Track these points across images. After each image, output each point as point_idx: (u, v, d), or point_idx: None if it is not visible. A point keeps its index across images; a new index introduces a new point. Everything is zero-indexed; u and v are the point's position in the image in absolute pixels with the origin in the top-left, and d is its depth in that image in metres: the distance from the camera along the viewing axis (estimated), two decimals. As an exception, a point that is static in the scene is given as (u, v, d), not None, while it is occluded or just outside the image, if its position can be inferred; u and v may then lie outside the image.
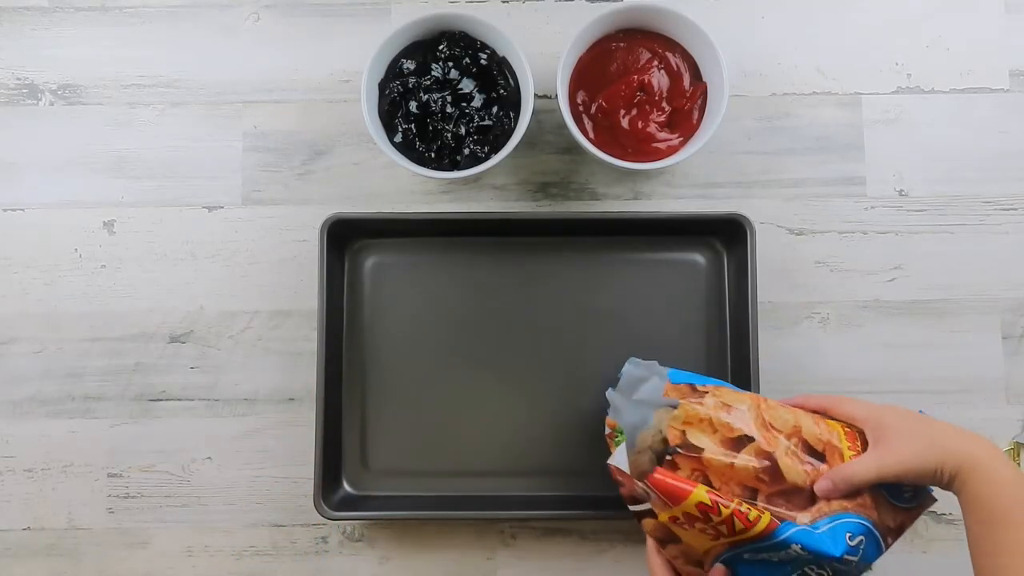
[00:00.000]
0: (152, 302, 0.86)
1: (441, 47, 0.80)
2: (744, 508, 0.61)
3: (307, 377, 0.83)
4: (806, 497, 0.62)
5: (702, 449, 0.63)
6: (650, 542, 0.69)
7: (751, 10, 0.89)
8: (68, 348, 0.85)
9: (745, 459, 0.62)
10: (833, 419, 0.68)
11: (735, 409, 0.65)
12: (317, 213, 0.83)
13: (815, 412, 0.68)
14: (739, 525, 0.61)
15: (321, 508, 0.79)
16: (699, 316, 0.84)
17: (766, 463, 0.62)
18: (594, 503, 0.81)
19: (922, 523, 0.83)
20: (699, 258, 0.85)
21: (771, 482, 0.62)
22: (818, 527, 0.61)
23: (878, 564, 0.83)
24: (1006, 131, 0.87)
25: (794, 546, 0.61)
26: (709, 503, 0.61)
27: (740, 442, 0.63)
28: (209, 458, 0.84)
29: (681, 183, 0.87)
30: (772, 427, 0.64)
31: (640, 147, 0.81)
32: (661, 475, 0.62)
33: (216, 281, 0.86)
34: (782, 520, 0.61)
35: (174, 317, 0.85)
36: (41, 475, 0.84)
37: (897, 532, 0.65)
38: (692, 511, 0.61)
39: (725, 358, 0.84)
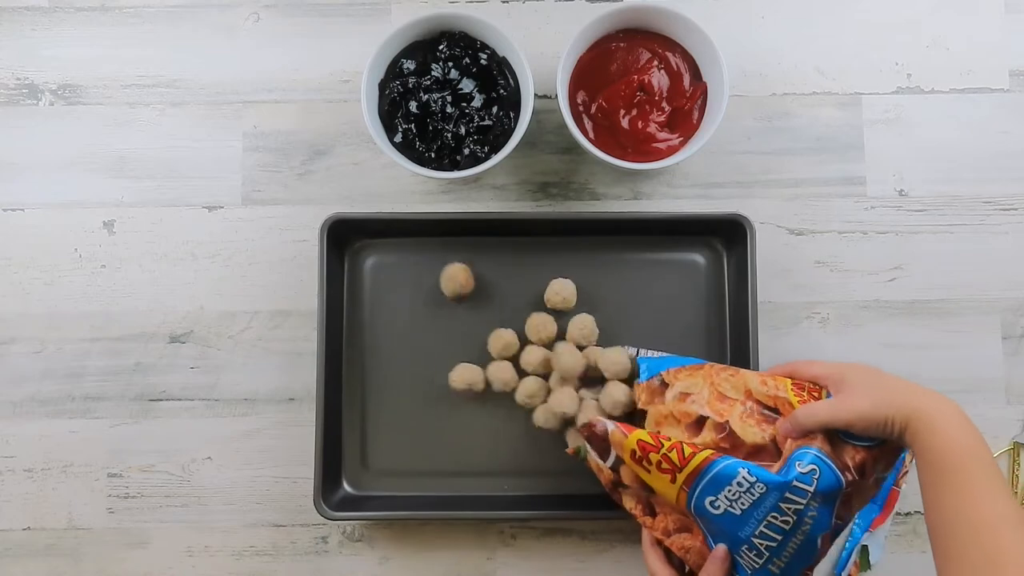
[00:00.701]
0: (152, 302, 0.86)
1: (441, 47, 0.80)
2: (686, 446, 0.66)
3: (307, 377, 0.83)
4: (772, 453, 0.66)
5: (670, 439, 0.69)
6: (645, 537, 0.72)
7: (751, 10, 0.89)
8: (68, 348, 0.85)
9: (704, 436, 0.68)
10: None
11: (691, 396, 0.71)
12: (317, 213, 0.83)
13: (784, 375, 0.72)
14: (688, 449, 0.66)
15: (321, 508, 0.79)
16: (699, 316, 0.84)
17: (723, 433, 0.68)
18: (594, 503, 0.81)
19: (922, 523, 0.83)
20: (699, 258, 0.85)
21: (733, 448, 0.67)
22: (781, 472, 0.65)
23: (879, 564, 0.83)
24: (1006, 131, 0.87)
25: (742, 471, 0.64)
26: (656, 430, 0.68)
27: (699, 422, 0.69)
28: (209, 458, 0.84)
29: (681, 183, 0.87)
30: (726, 397, 0.70)
31: (640, 147, 0.81)
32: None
33: (216, 281, 0.86)
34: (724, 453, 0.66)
35: (174, 317, 0.85)
36: (41, 475, 0.84)
37: (859, 470, 0.66)
38: (645, 438, 0.67)
39: (725, 358, 0.84)
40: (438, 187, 0.87)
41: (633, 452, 0.68)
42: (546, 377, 0.81)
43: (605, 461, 0.72)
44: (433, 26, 0.81)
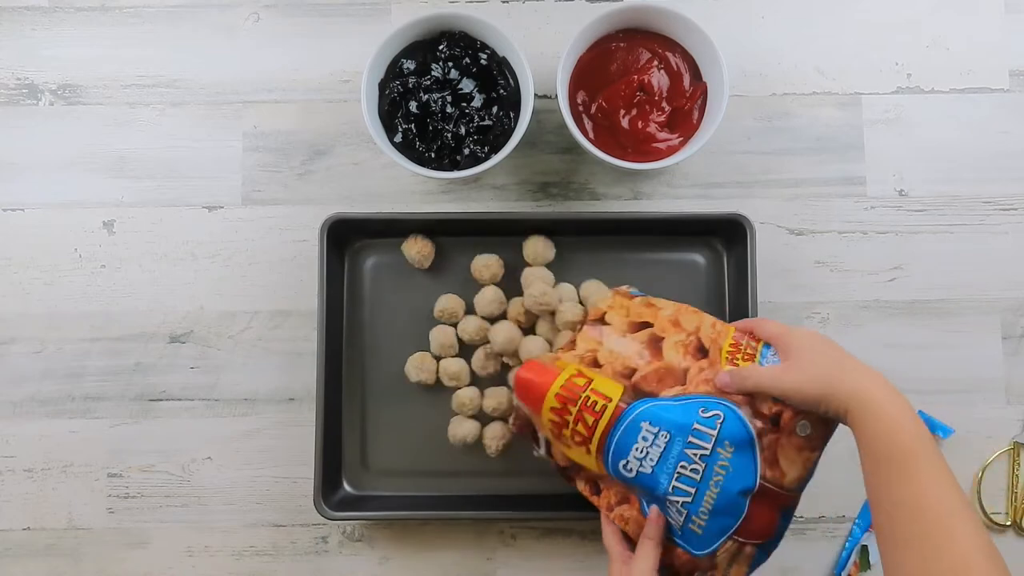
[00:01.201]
0: (152, 302, 0.86)
1: (441, 47, 0.80)
2: (592, 393, 0.67)
3: (307, 377, 0.83)
4: (676, 379, 0.67)
5: (608, 324, 0.72)
6: (604, 515, 0.72)
7: (751, 10, 0.89)
8: (68, 348, 0.85)
9: (637, 336, 0.70)
10: (757, 338, 0.70)
11: (655, 307, 0.73)
12: (317, 213, 0.83)
13: (744, 330, 0.71)
14: (599, 403, 0.66)
15: (321, 508, 0.79)
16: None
17: (653, 344, 0.69)
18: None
19: (922, 523, 0.83)
20: (699, 258, 0.85)
21: (651, 358, 0.68)
22: (677, 400, 0.66)
23: (879, 564, 0.83)
24: (1006, 131, 0.87)
25: (644, 424, 0.65)
26: (567, 386, 0.68)
27: (641, 326, 0.71)
28: (209, 458, 0.84)
29: (681, 183, 0.87)
30: (679, 324, 0.71)
31: (640, 147, 0.81)
32: (525, 369, 0.71)
33: (216, 281, 0.86)
34: (628, 404, 0.66)
35: (174, 317, 0.85)
36: (41, 475, 0.84)
37: (773, 419, 0.65)
38: (554, 402, 0.68)
39: (725, 358, 0.84)
40: (438, 187, 0.87)
41: (553, 421, 0.69)
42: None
43: (538, 448, 0.73)
44: (433, 26, 0.81)
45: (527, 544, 0.84)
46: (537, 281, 0.81)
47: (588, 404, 0.67)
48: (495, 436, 0.81)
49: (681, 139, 0.81)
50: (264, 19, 0.88)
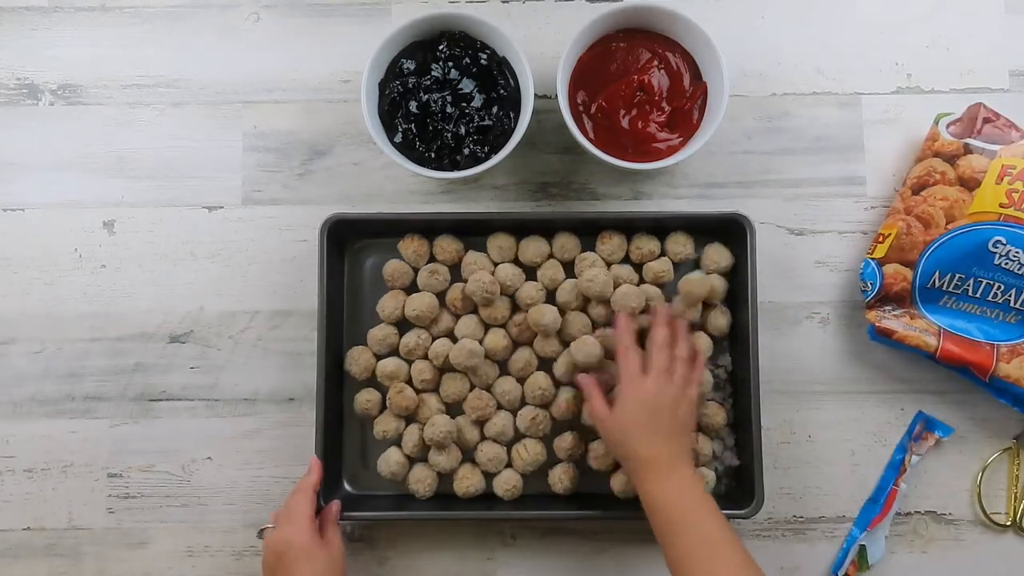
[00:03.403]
0: (152, 302, 0.86)
1: (441, 47, 0.80)
2: None
3: (307, 377, 0.83)
4: None
5: None
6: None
7: (751, 10, 0.89)
8: (68, 348, 0.85)
9: None
10: None
11: None
12: (317, 213, 0.83)
13: None
14: None
15: (321, 508, 0.79)
16: (699, 316, 0.84)
17: None
18: (594, 503, 0.81)
19: (922, 523, 0.83)
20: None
21: None
22: None
23: (878, 564, 0.83)
24: (1006, 131, 0.87)
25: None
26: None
27: None
28: (209, 458, 0.84)
29: (681, 183, 0.87)
30: None
31: (640, 147, 0.81)
32: None
33: (216, 281, 0.86)
34: None
35: (174, 317, 0.85)
36: (41, 475, 0.84)
37: None
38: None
39: (726, 358, 0.84)
40: (438, 187, 0.87)
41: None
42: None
43: None
44: (433, 26, 0.81)
45: (527, 544, 0.84)
46: (481, 271, 0.81)
47: None
48: (419, 479, 0.81)
49: (681, 139, 0.81)
50: (264, 19, 0.88)
